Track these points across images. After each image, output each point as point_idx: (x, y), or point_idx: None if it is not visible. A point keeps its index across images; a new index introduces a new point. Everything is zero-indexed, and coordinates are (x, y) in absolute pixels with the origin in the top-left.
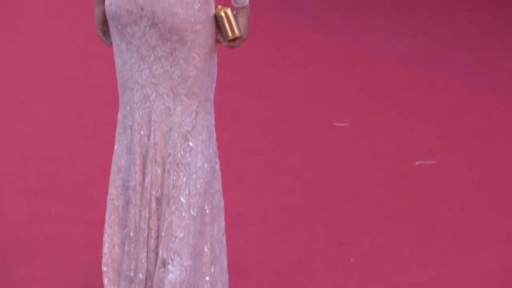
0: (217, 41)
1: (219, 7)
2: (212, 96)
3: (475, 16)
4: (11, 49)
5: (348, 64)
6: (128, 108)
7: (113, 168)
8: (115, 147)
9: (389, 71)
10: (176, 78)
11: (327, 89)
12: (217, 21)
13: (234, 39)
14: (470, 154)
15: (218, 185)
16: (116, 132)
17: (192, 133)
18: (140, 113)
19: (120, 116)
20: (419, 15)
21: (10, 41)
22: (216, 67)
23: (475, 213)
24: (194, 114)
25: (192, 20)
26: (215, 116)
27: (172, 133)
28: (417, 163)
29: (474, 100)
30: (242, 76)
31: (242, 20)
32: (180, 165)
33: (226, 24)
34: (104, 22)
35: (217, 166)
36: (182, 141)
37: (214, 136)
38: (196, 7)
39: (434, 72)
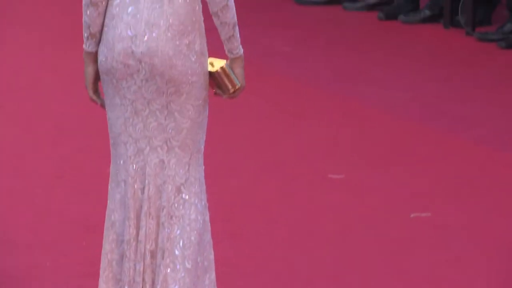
0: (217, 94)
1: (212, 61)
2: (203, 148)
3: (470, 70)
4: (6, 102)
5: (343, 116)
6: (121, 162)
7: (107, 223)
8: (108, 202)
9: (383, 123)
10: (170, 131)
11: (322, 141)
12: (214, 77)
13: (235, 91)
14: (465, 207)
15: (208, 236)
16: (109, 187)
17: (185, 185)
18: (134, 167)
19: (112, 170)
20: (414, 68)
21: (4, 93)
22: (207, 118)
23: (470, 266)
24: (187, 166)
25: (189, 72)
26: (208, 167)
27: (166, 186)
28: (412, 215)
29: (469, 152)
30: (236, 129)
31: (238, 70)
32: (174, 218)
33: (225, 79)
34: (95, 80)
35: (207, 218)
36: (176, 194)
37: (204, 187)
38: (193, 59)
39: (429, 124)
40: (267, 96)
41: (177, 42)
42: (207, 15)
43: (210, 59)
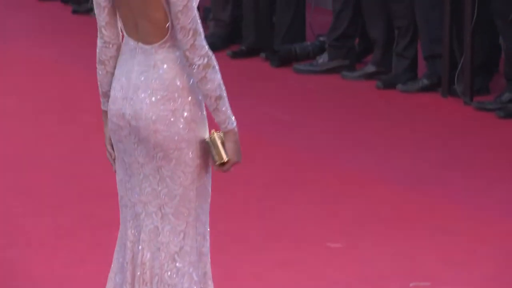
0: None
1: (214, 131)
2: (203, 217)
3: (468, 139)
4: (2, 173)
5: (341, 184)
6: (123, 225)
7: (108, 285)
8: (112, 264)
9: (382, 192)
10: (163, 197)
11: (320, 210)
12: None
13: (223, 164)
14: (465, 276)
15: None
16: (115, 249)
17: (179, 254)
18: (132, 232)
19: (119, 233)
20: (412, 137)
21: (2, 164)
22: (209, 188)
23: None
24: (182, 234)
25: (176, 138)
26: (210, 238)
27: (159, 253)
28: (411, 284)
29: (467, 221)
30: (235, 197)
31: (229, 144)
32: (166, 286)
33: (213, 149)
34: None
35: None
36: (169, 262)
37: (207, 258)
38: (180, 125)
39: (428, 193)
40: (266, 165)
41: (161, 107)
42: None
43: (213, 130)
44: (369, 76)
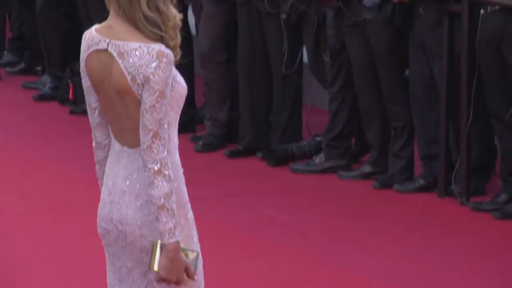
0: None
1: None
2: None
3: (464, 239)
4: (5, 272)
5: (339, 285)
6: None
7: None
8: None
9: None
10: None
11: None
12: None
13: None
14: None
15: None
16: None
17: None
18: None
19: None
20: (409, 237)
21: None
22: (199, 285)
23: None
24: None
25: None
26: None
27: None
28: None
29: None
30: None
31: (162, 258)
32: None
33: (151, 254)
34: None
35: None
36: None
37: None
38: None
39: None
40: (262, 264)
41: (146, 212)
42: (192, 184)
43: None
44: (366, 176)
